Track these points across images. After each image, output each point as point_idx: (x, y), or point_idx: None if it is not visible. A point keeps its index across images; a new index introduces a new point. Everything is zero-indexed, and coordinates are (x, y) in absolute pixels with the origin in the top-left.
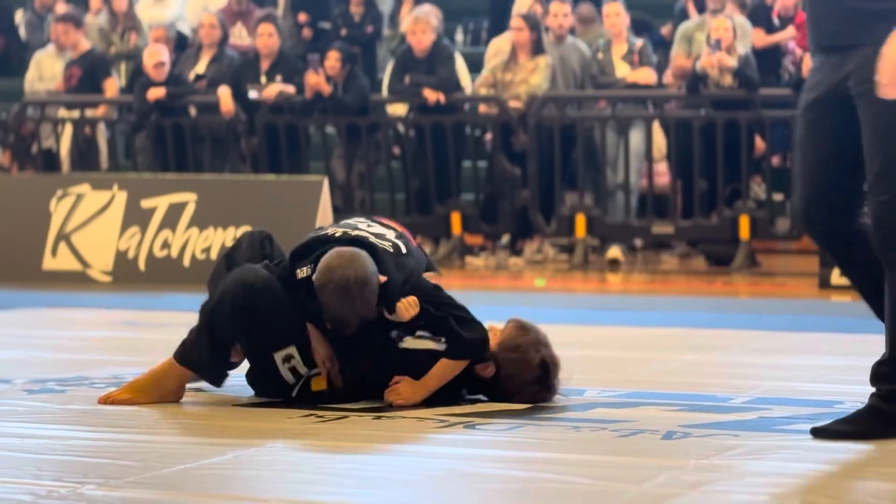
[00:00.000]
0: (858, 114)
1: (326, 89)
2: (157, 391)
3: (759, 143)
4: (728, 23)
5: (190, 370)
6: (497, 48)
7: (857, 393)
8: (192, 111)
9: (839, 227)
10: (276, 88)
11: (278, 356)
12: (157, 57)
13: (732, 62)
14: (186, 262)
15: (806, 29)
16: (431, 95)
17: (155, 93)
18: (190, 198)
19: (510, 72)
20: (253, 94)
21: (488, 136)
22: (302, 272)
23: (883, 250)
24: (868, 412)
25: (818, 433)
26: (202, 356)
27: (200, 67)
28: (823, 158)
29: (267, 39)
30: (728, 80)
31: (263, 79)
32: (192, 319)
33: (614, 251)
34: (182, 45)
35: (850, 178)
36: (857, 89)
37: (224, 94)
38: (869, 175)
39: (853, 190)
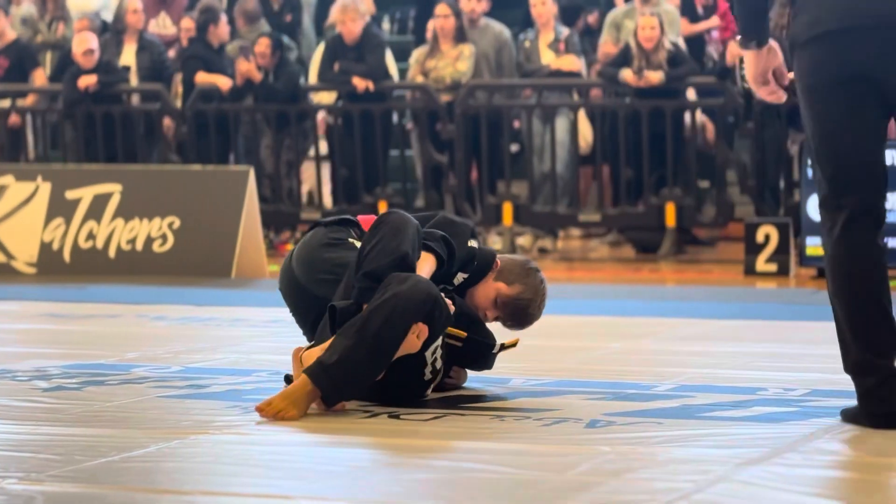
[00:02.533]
0: None
1: (257, 76)
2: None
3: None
4: (654, 20)
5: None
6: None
7: (781, 380)
8: (124, 99)
9: None
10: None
11: (429, 353)
12: (85, 44)
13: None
14: (112, 253)
15: None
16: (360, 83)
17: (86, 80)
18: (115, 188)
19: (433, 59)
20: None
21: (409, 127)
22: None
23: None
24: None
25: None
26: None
27: (129, 56)
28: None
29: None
30: (659, 75)
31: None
32: (118, 310)
33: (542, 241)
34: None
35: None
36: None
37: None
38: None
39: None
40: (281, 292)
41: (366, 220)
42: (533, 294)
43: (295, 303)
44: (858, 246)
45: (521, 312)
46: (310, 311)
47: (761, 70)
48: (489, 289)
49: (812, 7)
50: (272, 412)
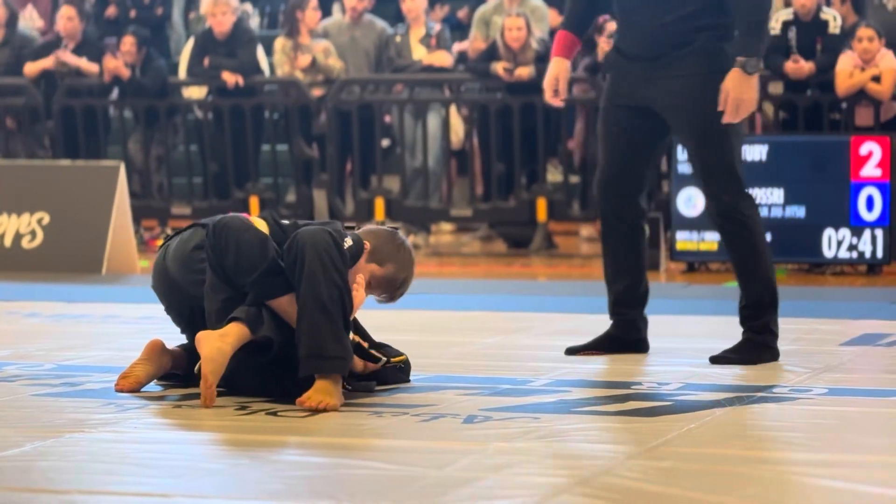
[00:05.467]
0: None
1: (125, 73)
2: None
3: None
4: (520, 21)
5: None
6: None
7: (654, 374)
8: None
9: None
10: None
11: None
12: None
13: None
14: None
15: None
16: (230, 78)
17: None
18: None
19: (303, 53)
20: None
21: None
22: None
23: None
24: (747, 343)
25: (715, 360)
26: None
27: None
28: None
29: (66, 23)
30: (529, 70)
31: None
32: None
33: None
34: None
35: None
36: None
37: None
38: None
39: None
40: (154, 289)
41: None
42: (406, 271)
43: (169, 300)
44: None
45: (394, 290)
46: (184, 307)
47: None
48: (363, 271)
49: None
50: (314, 404)
